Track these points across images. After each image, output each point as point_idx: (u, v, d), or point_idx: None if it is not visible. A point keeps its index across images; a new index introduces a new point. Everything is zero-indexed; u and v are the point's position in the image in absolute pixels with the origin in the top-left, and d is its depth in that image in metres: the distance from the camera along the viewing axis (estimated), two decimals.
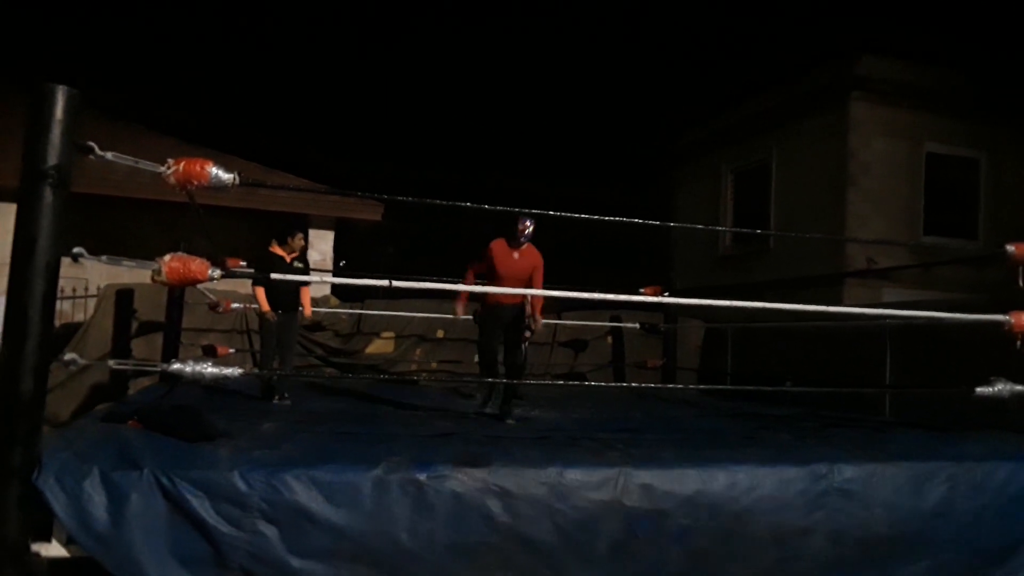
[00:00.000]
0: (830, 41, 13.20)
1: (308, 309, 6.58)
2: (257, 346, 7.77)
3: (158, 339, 7.52)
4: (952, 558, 3.39)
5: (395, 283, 3.78)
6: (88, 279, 9.47)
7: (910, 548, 3.33)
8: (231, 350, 7.78)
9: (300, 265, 6.32)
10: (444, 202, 3.77)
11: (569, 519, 2.98)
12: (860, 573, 3.25)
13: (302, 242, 6.28)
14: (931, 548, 3.37)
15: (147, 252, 2.95)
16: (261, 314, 6.15)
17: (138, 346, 7.88)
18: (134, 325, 7.85)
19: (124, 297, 7.76)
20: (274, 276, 5.76)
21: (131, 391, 7.03)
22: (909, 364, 6.79)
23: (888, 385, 6.87)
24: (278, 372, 6.31)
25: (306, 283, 6.53)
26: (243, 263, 6.73)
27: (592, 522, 3.00)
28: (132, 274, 8.63)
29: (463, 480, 2.92)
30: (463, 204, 3.70)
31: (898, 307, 7.45)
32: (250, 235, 8.83)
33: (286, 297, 6.17)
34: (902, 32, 12.97)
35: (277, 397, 5.88)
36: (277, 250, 6.20)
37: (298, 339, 8.84)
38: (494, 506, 2.92)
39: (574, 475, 3.04)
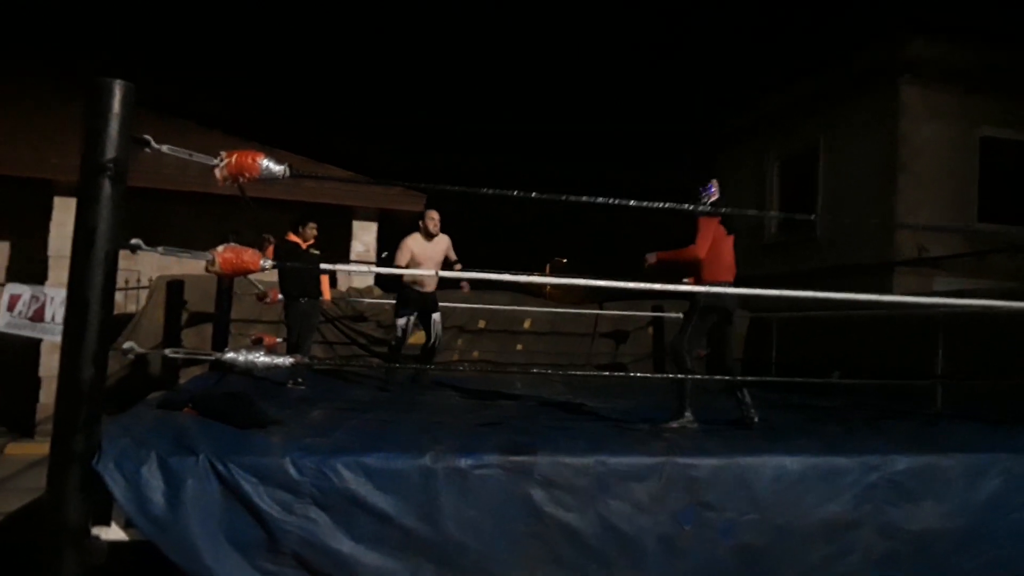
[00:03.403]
0: (879, 22, 12.87)
1: (327, 294, 7.05)
2: None
3: (207, 330, 7.69)
4: (1008, 553, 3.31)
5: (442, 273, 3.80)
6: (140, 271, 9.72)
7: (965, 543, 3.26)
8: (278, 339, 7.91)
9: (316, 252, 6.58)
10: (487, 190, 3.75)
11: (614, 510, 2.98)
12: (914, 568, 3.19)
13: (314, 231, 6.54)
14: (986, 542, 3.29)
15: (193, 245, 3.01)
16: (287, 302, 6.45)
17: (188, 336, 8.07)
18: (184, 316, 8.04)
19: (175, 288, 7.95)
20: (284, 263, 6.11)
21: (181, 380, 7.21)
22: (961, 355, 6.61)
23: (938, 375, 6.70)
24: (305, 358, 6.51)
25: (324, 271, 6.95)
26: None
27: (638, 514, 2.99)
28: (182, 266, 8.88)
29: (508, 469, 2.93)
30: (507, 192, 3.68)
31: (951, 296, 7.26)
32: (290, 229, 8.99)
33: (306, 283, 6.44)
34: (954, 11, 12.58)
35: (291, 382, 5.98)
36: (293, 238, 6.50)
37: (343, 329, 9.02)
38: (539, 496, 2.92)
39: (619, 465, 3.03)
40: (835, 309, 7.82)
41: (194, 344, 7.91)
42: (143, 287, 9.34)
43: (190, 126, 11.69)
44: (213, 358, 2.96)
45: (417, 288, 6.61)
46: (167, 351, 2.98)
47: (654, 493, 3.02)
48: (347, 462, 2.79)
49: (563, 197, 3.83)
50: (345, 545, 2.74)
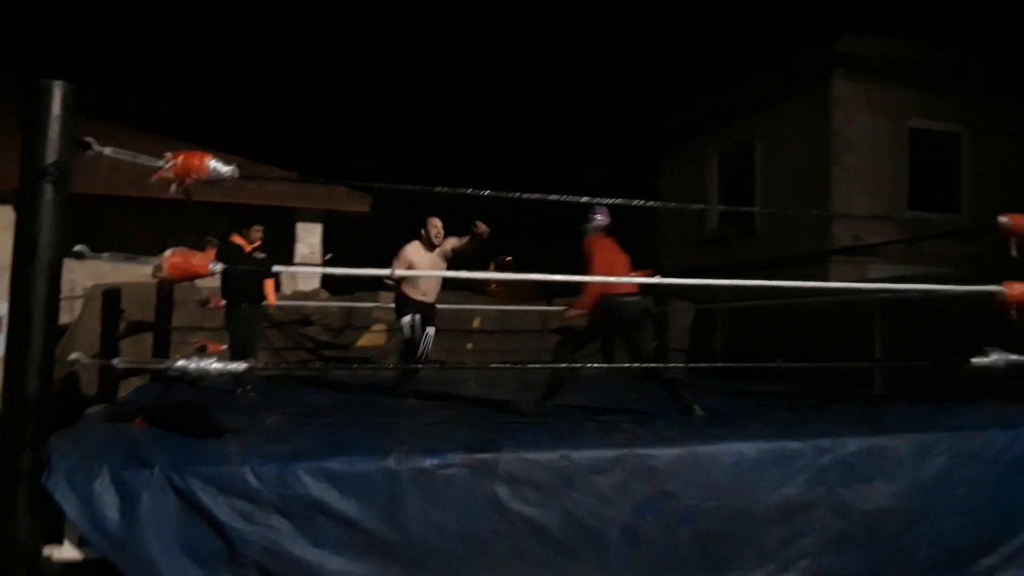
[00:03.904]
0: (812, 20, 13.28)
1: (272, 298, 6.82)
2: None
3: (147, 339, 7.45)
4: (955, 528, 3.44)
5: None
6: (75, 280, 9.36)
7: (914, 519, 3.38)
8: (223, 347, 7.71)
9: (261, 255, 6.45)
10: (440, 188, 3.73)
11: (579, 504, 2.99)
12: (867, 546, 3.29)
13: (260, 233, 6.43)
14: (934, 518, 3.42)
15: (130, 250, 2.92)
16: (229, 307, 6.31)
17: (127, 346, 7.81)
18: (122, 325, 7.77)
19: (111, 297, 7.68)
20: (236, 266, 5.81)
21: (121, 392, 6.97)
22: (897, 338, 6.87)
23: (880, 359, 6.93)
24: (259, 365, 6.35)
25: (268, 275, 6.77)
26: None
27: (602, 506, 3.01)
28: (118, 273, 8.58)
29: (473, 468, 2.92)
30: (457, 191, 3.67)
31: (885, 282, 7.52)
32: (234, 230, 8.78)
33: (248, 287, 6.31)
34: (883, 8, 13.04)
35: (240, 390, 5.83)
36: (237, 239, 6.39)
37: (290, 333, 8.86)
38: (503, 493, 2.92)
39: (582, 458, 3.05)
40: (777, 298, 8.02)
41: (133, 354, 7.66)
42: (78, 296, 9.00)
43: (118, 127, 11.29)
44: (163, 367, 2.87)
45: (418, 299, 6.07)
46: (114, 361, 2.89)
47: (617, 485, 3.04)
48: (308, 468, 2.74)
49: (513, 195, 3.85)
50: (309, 552, 2.69)
